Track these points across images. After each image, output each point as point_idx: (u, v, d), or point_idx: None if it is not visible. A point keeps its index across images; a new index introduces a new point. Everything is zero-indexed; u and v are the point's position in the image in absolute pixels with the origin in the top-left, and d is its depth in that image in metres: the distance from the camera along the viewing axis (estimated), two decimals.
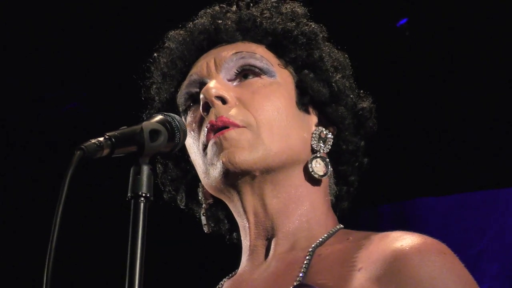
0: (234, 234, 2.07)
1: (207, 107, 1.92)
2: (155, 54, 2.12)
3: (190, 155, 1.99)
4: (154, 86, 2.10)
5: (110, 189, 3.14)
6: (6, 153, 4.82)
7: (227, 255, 2.06)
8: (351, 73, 2.06)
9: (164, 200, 2.07)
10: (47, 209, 1.71)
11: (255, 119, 1.89)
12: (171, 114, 1.72)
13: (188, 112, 2.00)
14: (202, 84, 1.97)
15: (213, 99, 1.90)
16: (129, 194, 1.58)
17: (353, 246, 1.81)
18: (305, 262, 1.81)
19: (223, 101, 1.91)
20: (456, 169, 4.47)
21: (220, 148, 1.88)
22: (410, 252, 1.69)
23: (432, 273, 1.67)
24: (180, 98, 2.02)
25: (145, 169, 1.60)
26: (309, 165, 1.92)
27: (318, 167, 1.93)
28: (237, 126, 1.89)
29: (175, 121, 1.70)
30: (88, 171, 1.93)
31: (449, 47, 4.26)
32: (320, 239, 1.88)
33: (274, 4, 2.06)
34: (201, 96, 1.93)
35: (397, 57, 4.35)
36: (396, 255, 1.70)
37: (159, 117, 1.69)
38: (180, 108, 2.02)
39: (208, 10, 2.08)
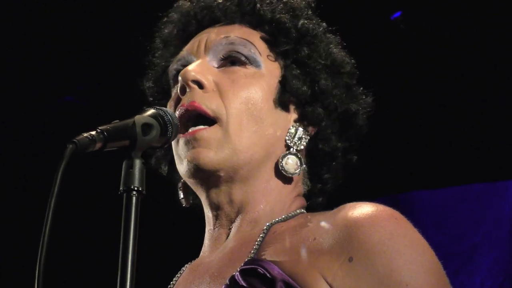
0: None
1: (184, 89, 1.92)
2: (161, 20, 2.12)
3: None
4: (157, 53, 2.11)
5: (102, 183, 3.14)
6: None
7: None
8: (348, 70, 2.03)
9: (156, 194, 2.06)
10: (40, 204, 1.70)
11: (226, 110, 1.89)
12: (163, 108, 1.73)
13: (175, 86, 2.00)
14: (188, 62, 1.98)
15: (190, 82, 1.91)
16: (121, 188, 1.58)
17: (309, 221, 1.82)
18: (259, 239, 1.82)
19: (200, 85, 1.91)
20: (451, 162, 4.47)
21: (189, 146, 1.88)
22: (361, 219, 1.69)
23: (382, 238, 1.66)
24: (171, 72, 2.03)
25: (138, 163, 1.60)
26: (280, 163, 1.92)
27: (290, 164, 1.92)
28: (206, 114, 1.88)
29: (167, 115, 1.71)
30: (80, 165, 1.92)
31: (444, 40, 4.25)
32: (278, 218, 1.89)
33: None
34: (179, 77, 1.93)
35: (392, 50, 4.35)
36: (347, 223, 1.70)
37: (151, 111, 1.70)
38: (170, 81, 2.03)
39: None
